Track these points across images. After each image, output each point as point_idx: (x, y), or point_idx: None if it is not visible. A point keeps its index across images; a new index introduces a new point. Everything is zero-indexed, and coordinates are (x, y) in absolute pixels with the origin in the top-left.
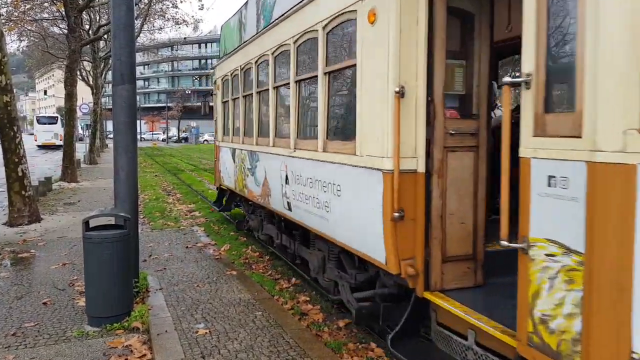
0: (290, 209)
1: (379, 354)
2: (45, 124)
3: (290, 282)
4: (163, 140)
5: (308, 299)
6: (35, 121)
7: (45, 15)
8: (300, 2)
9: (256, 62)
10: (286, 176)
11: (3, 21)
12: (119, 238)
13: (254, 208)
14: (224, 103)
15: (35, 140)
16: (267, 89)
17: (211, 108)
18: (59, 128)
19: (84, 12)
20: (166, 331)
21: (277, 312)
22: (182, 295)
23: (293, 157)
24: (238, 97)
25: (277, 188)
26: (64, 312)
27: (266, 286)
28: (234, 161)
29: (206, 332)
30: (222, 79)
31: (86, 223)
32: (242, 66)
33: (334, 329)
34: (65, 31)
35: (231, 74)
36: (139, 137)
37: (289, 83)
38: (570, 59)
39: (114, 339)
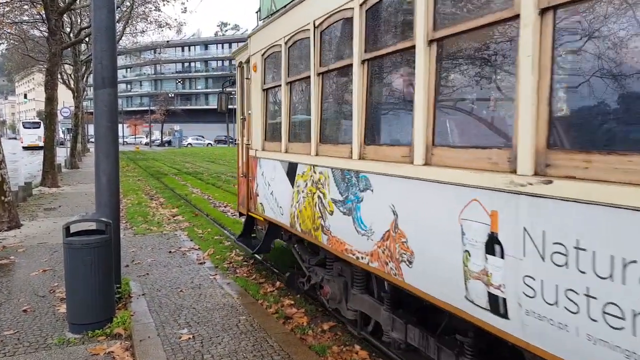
0: (505, 315)
1: (363, 357)
2: (30, 128)
3: (274, 285)
4: (146, 144)
5: (292, 302)
6: (21, 126)
7: (25, 17)
8: None
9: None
10: (491, 239)
11: None
12: (100, 243)
13: (327, 259)
14: (269, 91)
15: (22, 143)
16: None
17: (232, 102)
18: (41, 131)
19: (64, 15)
20: (149, 337)
21: (261, 316)
22: (165, 301)
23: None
24: (307, 78)
25: (452, 258)
26: (45, 320)
27: (250, 290)
28: (293, 183)
29: (189, 338)
30: (264, 54)
31: (67, 228)
32: (323, 22)
33: (318, 332)
34: (46, 34)
35: (288, 42)
36: (121, 141)
37: None
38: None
39: (95, 345)
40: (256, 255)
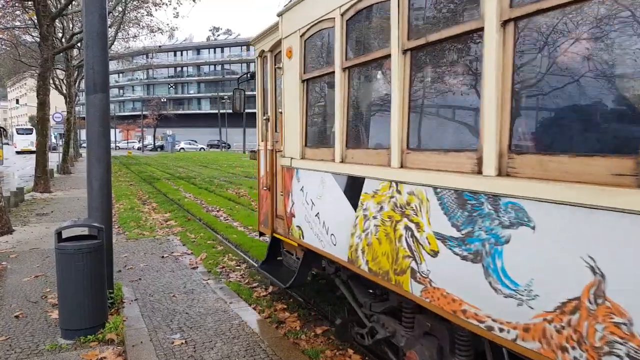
0: None
1: None
2: (23, 134)
3: (267, 290)
4: (138, 148)
5: (285, 306)
6: (14, 131)
7: (17, 23)
8: None
9: None
10: None
11: None
12: (92, 249)
13: (405, 309)
14: (312, 81)
15: (15, 147)
16: None
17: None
18: (34, 137)
19: (56, 20)
20: (142, 342)
21: (254, 321)
22: (158, 306)
23: None
24: (382, 59)
25: None
26: (37, 325)
27: (243, 295)
28: (356, 205)
29: (182, 343)
30: (305, 34)
31: (59, 234)
32: None
33: (311, 337)
34: (38, 39)
35: (348, 12)
36: (114, 145)
37: None
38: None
39: (88, 351)
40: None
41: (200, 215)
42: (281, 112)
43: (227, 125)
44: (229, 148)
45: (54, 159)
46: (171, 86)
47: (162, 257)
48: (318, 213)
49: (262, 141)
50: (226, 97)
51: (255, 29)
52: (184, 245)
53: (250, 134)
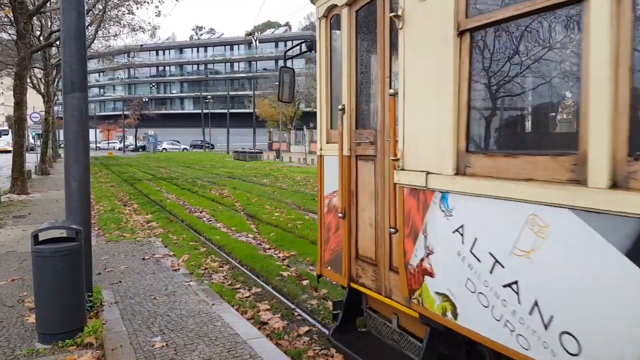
0: None
1: None
2: None
3: (250, 291)
4: (120, 149)
5: (269, 307)
6: None
7: None
8: None
9: None
10: None
11: None
12: (70, 251)
13: None
14: (486, 32)
15: None
16: None
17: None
18: (10, 138)
19: (34, 18)
20: (121, 346)
21: (237, 322)
22: (139, 308)
23: None
24: None
25: None
26: (13, 330)
27: (226, 296)
28: None
29: (163, 345)
30: None
31: (35, 236)
32: None
33: (294, 337)
34: (15, 37)
35: None
36: (94, 146)
37: None
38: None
39: (66, 355)
40: None
41: (182, 217)
42: (392, 95)
43: (210, 126)
44: (212, 148)
45: (31, 160)
46: (153, 86)
47: (143, 259)
48: (514, 283)
49: (327, 142)
50: (209, 96)
51: (240, 28)
52: (165, 247)
53: (234, 134)
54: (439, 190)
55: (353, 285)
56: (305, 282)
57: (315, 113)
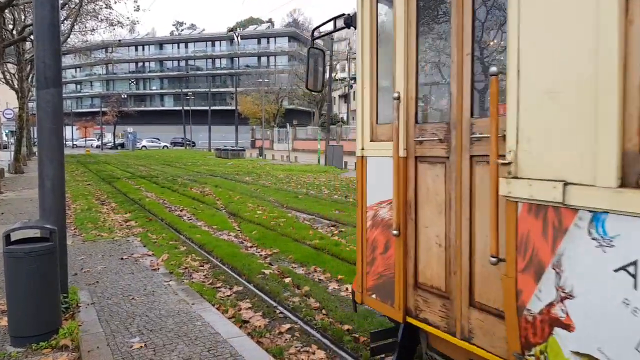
0: None
1: (320, 356)
2: None
3: (231, 289)
4: (98, 146)
5: (250, 305)
6: None
7: None
8: None
9: None
10: None
11: None
12: (44, 251)
13: None
14: None
15: None
16: None
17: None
18: None
19: (6, 11)
20: (98, 347)
21: (218, 321)
22: (116, 309)
23: None
24: None
25: None
26: None
27: (206, 295)
28: None
29: (142, 346)
30: None
31: (7, 236)
32: None
33: (275, 335)
34: None
35: None
36: (71, 144)
37: None
38: None
39: (40, 358)
40: None
41: (162, 215)
42: (494, 74)
43: (191, 123)
44: (194, 146)
45: (5, 158)
46: (132, 82)
47: (122, 259)
48: None
49: (372, 140)
50: (190, 93)
51: (222, 24)
52: (144, 246)
53: (216, 132)
54: (588, 208)
55: (410, 320)
56: (287, 280)
57: (299, 111)
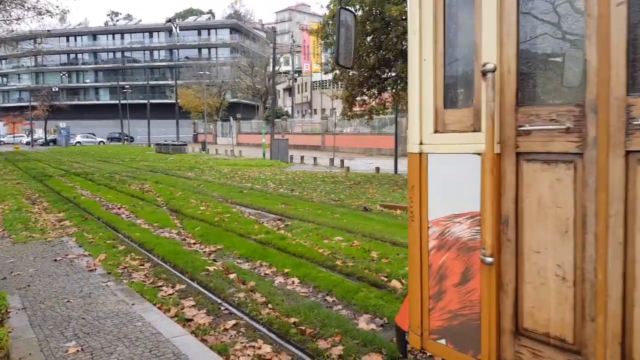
0: None
1: (266, 350)
2: None
3: (174, 288)
4: (27, 143)
5: (194, 303)
6: None
7: None
8: None
9: None
10: None
11: None
12: None
13: None
14: None
15: None
16: None
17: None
18: None
19: None
20: (30, 354)
21: (159, 321)
22: (50, 313)
23: None
24: None
25: None
26: None
27: (147, 295)
28: None
29: (78, 350)
30: None
31: None
32: None
33: (220, 331)
34: None
35: None
36: None
37: None
38: None
39: None
40: None
41: (99, 214)
42: None
43: (129, 117)
44: (132, 141)
45: None
46: (64, 74)
47: (55, 260)
48: None
49: (436, 131)
50: (127, 86)
51: (160, 15)
52: (80, 246)
53: (155, 126)
54: None
55: None
56: (232, 276)
57: (242, 104)
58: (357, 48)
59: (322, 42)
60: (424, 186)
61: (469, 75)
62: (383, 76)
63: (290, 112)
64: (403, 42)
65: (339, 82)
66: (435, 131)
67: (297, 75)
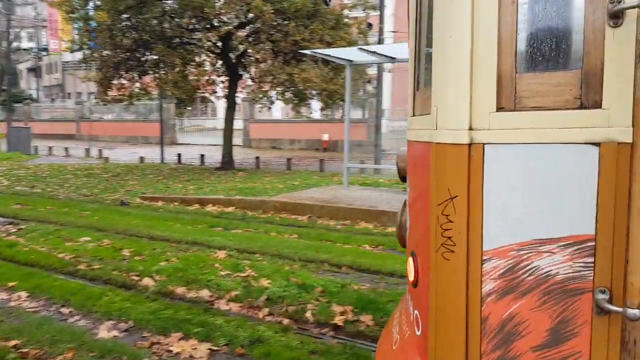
0: None
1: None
2: None
3: None
4: None
5: None
6: None
7: None
8: None
9: None
10: None
11: None
12: None
13: None
14: None
15: None
16: None
17: None
18: None
19: None
20: None
21: None
22: None
23: None
24: None
25: None
26: None
27: None
28: None
29: None
30: None
31: None
32: None
33: None
34: None
35: None
36: None
37: None
38: None
39: None
40: None
41: None
42: None
43: None
44: None
45: None
46: None
47: None
48: None
49: (502, 109)
50: None
51: None
52: None
53: None
54: None
55: None
56: None
57: None
58: (110, 26)
59: (68, 16)
60: (476, 196)
61: (559, 27)
62: (142, 59)
63: (36, 95)
64: (163, 25)
65: (91, 63)
66: (500, 108)
67: (44, 53)
